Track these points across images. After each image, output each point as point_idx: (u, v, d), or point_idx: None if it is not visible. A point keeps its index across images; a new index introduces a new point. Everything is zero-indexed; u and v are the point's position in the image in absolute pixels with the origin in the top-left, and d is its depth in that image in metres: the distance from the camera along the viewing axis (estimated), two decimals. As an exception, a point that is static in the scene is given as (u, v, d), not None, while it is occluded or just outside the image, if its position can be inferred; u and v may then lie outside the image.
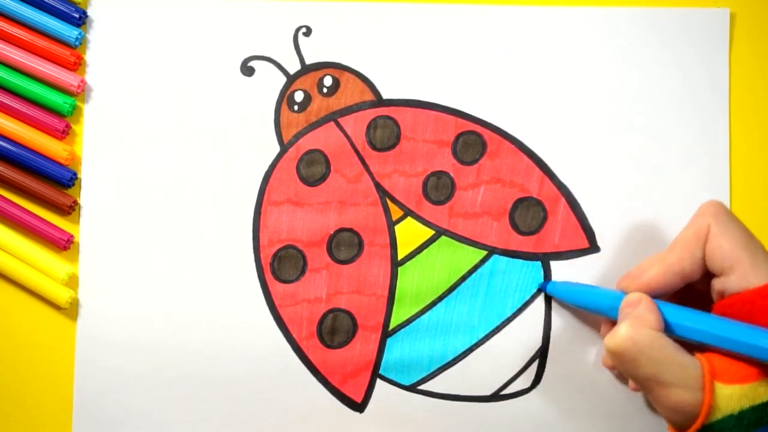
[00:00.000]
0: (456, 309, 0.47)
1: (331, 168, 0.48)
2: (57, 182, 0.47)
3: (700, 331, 0.37)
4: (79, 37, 0.47)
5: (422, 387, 0.47)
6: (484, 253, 0.47)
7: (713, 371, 0.36)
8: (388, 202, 0.48)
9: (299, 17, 0.48)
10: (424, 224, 0.47)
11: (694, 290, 0.41)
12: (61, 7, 0.47)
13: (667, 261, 0.40)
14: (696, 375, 0.36)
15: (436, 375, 0.47)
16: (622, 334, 0.37)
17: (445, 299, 0.47)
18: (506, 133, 0.48)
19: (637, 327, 0.37)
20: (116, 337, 0.47)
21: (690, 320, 0.38)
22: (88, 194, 0.48)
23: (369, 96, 0.48)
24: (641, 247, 0.47)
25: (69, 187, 0.47)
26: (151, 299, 0.47)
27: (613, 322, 0.41)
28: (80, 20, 0.48)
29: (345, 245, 0.47)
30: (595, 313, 0.43)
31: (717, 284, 0.39)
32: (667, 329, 0.38)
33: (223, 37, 0.48)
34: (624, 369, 0.38)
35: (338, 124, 0.48)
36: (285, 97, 0.48)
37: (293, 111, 0.48)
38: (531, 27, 0.48)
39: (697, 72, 0.48)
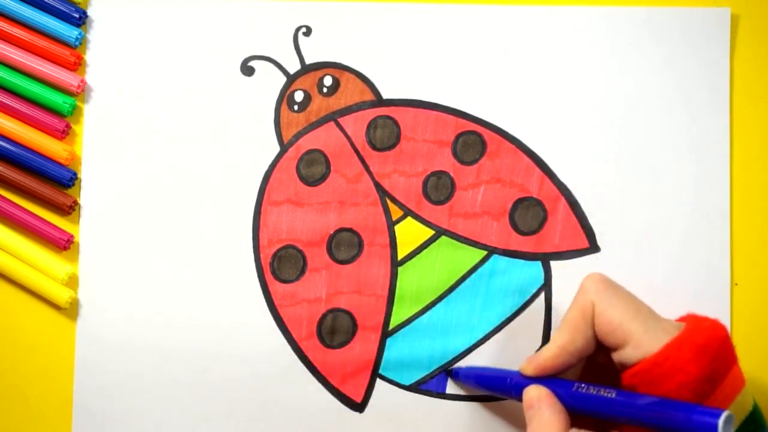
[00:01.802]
0: (456, 309, 0.47)
1: (331, 168, 0.48)
2: (57, 182, 0.47)
3: (605, 413, 0.37)
4: (79, 37, 0.47)
5: (422, 387, 0.47)
6: (484, 253, 0.47)
7: None
8: (388, 202, 0.48)
9: (299, 17, 0.48)
10: (424, 224, 0.47)
11: (600, 361, 0.41)
12: (61, 7, 0.47)
13: (558, 342, 0.40)
14: None
15: (435, 375, 0.47)
16: None
17: (444, 299, 0.47)
18: (506, 133, 0.48)
19: None
20: (116, 337, 0.47)
21: (593, 404, 0.38)
22: (88, 194, 0.48)
23: (369, 96, 0.48)
24: (641, 247, 0.47)
25: (69, 187, 0.47)
26: (151, 299, 0.47)
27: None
28: (80, 20, 0.48)
29: (345, 245, 0.47)
30: (501, 396, 0.43)
31: (615, 357, 0.39)
32: (575, 412, 0.38)
33: (223, 37, 0.48)
34: None
35: (338, 124, 0.48)
36: (285, 97, 0.48)
37: (293, 111, 0.48)
38: (531, 27, 0.48)
39: (697, 72, 0.48)
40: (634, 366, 0.37)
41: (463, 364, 0.46)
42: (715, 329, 0.37)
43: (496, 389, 0.43)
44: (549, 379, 0.40)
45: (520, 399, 0.40)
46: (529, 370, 0.40)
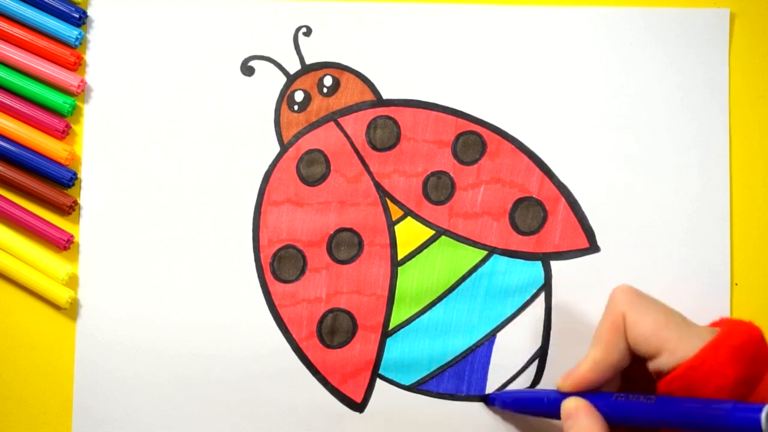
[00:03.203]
0: (456, 309, 0.47)
1: (331, 168, 0.48)
2: (57, 182, 0.47)
3: (645, 420, 0.37)
4: (79, 37, 0.47)
5: (422, 387, 0.47)
6: (484, 253, 0.47)
7: None
8: (388, 202, 0.48)
9: (299, 17, 0.48)
10: (424, 224, 0.47)
11: (635, 372, 0.41)
12: (61, 7, 0.47)
13: (594, 357, 0.40)
14: None
15: (436, 375, 0.47)
16: None
17: (445, 299, 0.47)
18: (506, 133, 0.48)
19: None
20: (116, 337, 0.47)
21: (633, 411, 0.37)
22: (88, 194, 0.48)
23: (369, 96, 0.48)
24: (641, 247, 0.47)
25: (69, 187, 0.47)
26: (151, 299, 0.47)
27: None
28: (80, 20, 0.48)
29: (345, 245, 0.47)
30: (541, 416, 0.43)
31: (651, 366, 0.39)
32: (615, 423, 0.38)
33: (223, 37, 0.48)
34: None
35: (338, 124, 0.48)
36: (285, 97, 0.48)
37: (293, 111, 0.48)
38: (531, 27, 0.48)
39: (697, 72, 0.48)
40: (670, 372, 0.37)
41: (473, 356, 0.46)
42: (750, 331, 0.37)
43: (534, 410, 0.43)
44: (587, 394, 0.40)
45: (559, 417, 0.40)
46: (566, 387, 0.40)
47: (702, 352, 0.36)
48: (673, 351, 0.37)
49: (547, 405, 0.41)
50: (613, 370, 0.40)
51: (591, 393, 0.40)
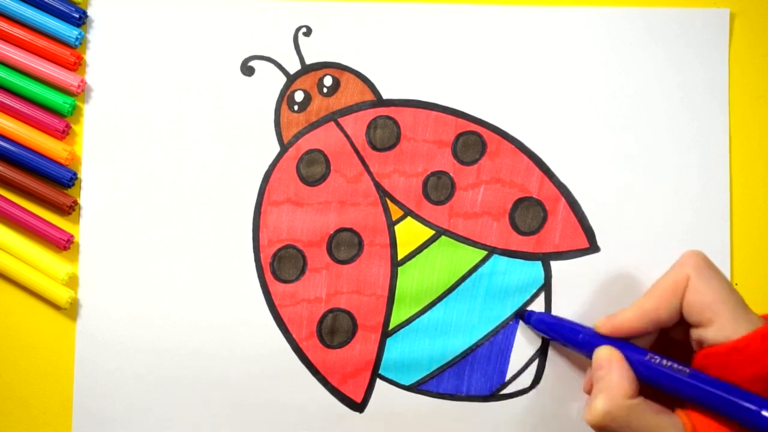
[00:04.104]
0: (456, 309, 0.47)
1: (331, 168, 0.48)
2: (57, 182, 0.47)
3: (675, 389, 0.37)
4: (79, 37, 0.47)
5: (422, 387, 0.47)
6: (484, 253, 0.47)
7: (696, 429, 0.36)
8: (388, 202, 0.48)
9: (299, 17, 0.48)
10: (424, 224, 0.47)
11: (673, 334, 0.41)
12: (61, 7, 0.47)
13: (643, 306, 0.40)
14: None
15: (436, 375, 0.47)
16: (599, 409, 0.38)
17: (444, 299, 0.47)
18: (506, 133, 0.48)
19: (612, 400, 0.37)
20: (116, 337, 0.47)
21: (665, 377, 0.38)
22: (88, 194, 0.48)
23: (369, 96, 0.48)
24: (641, 247, 0.47)
25: (69, 187, 0.47)
26: (151, 299, 0.47)
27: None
28: (80, 20, 0.48)
29: (345, 245, 0.47)
30: (571, 348, 0.43)
31: (695, 334, 0.39)
32: (644, 381, 0.38)
33: (223, 37, 0.48)
34: None
35: (338, 124, 0.48)
36: (285, 97, 0.48)
37: (293, 111, 0.48)
38: (531, 27, 0.48)
39: (697, 72, 0.48)
40: (712, 347, 0.37)
41: (473, 356, 0.46)
42: None
43: (566, 340, 0.43)
44: (622, 342, 0.40)
45: (588, 355, 0.40)
46: (605, 329, 0.40)
47: (750, 336, 0.36)
48: (721, 326, 0.37)
49: (582, 340, 0.41)
50: (656, 325, 0.39)
51: (626, 343, 0.39)
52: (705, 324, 0.38)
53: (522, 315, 0.46)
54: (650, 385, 0.38)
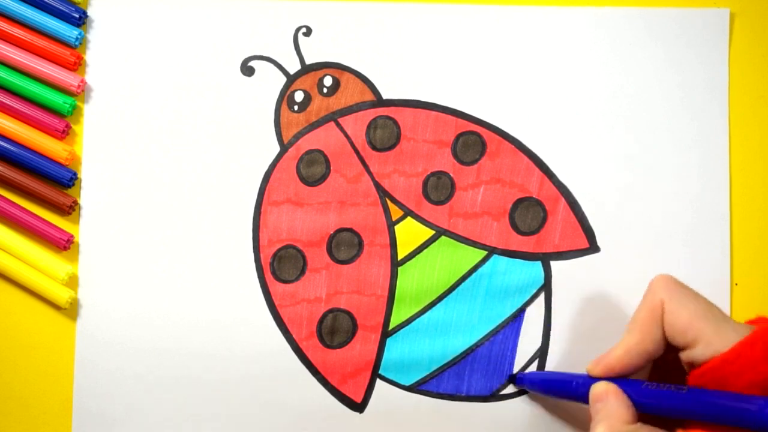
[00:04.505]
0: (456, 309, 0.47)
1: (331, 168, 0.48)
2: (57, 182, 0.47)
3: (674, 409, 0.37)
4: (79, 37, 0.47)
5: (422, 387, 0.47)
6: (484, 253, 0.47)
7: None
8: (388, 202, 0.48)
9: (299, 17, 0.48)
10: (424, 224, 0.47)
11: (665, 362, 0.41)
12: (61, 7, 0.47)
13: (628, 343, 0.39)
14: None
15: (436, 375, 0.47)
16: None
17: (444, 299, 0.47)
18: (506, 133, 0.48)
19: (612, 428, 0.37)
20: (116, 337, 0.47)
21: (662, 399, 0.37)
22: (88, 194, 0.48)
23: (369, 96, 0.48)
24: (641, 247, 0.47)
25: (69, 187, 0.47)
26: (151, 299, 0.47)
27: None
28: (80, 20, 0.48)
29: (345, 245, 0.47)
30: (568, 400, 0.43)
31: (684, 356, 0.38)
32: (643, 410, 0.38)
33: (223, 37, 0.48)
34: None
35: (338, 124, 0.48)
36: (285, 97, 0.48)
37: (293, 111, 0.48)
38: (531, 27, 0.48)
39: (696, 72, 0.48)
40: (703, 365, 0.37)
41: (473, 356, 0.46)
42: None
43: (562, 393, 0.43)
44: (617, 379, 0.40)
45: (586, 401, 0.40)
46: (597, 371, 0.40)
47: (738, 346, 0.36)
48: (708, 343, 0.37)
49: (576, 388, 0.41)
50: (646, 358, 0.39)
51: (621, 379, 0.40)
52: (691, 344, 0.38)
53: (513, 380, 0.46)
54: (652, 413, 0.38)
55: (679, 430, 0.37)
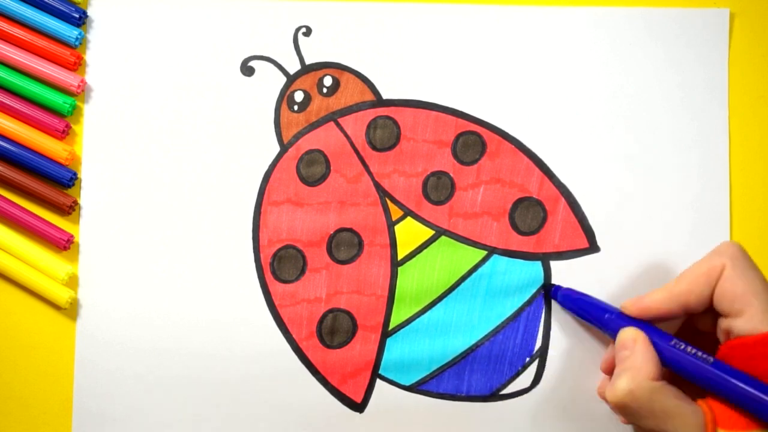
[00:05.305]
0: (456, 309, 0.47)
1: (331, 168, 0.48)
2: (57, 182, 0.47)
3: (696, 377, 0.37)
4: (79, 37, 0.47)
5: (422, 387, 0.47)
6: (484, 253, 0.47)
7: (715, 419, 0.36)
8: (388, 202, 0.48)
9: (299, 17, 0.48)
10: (424, 224, 0.47)
11: (697, 327, 0.41)
12: (61, 7, 0.47)
13: (673, 290, 0.40)
14: (698, 423, 0.36)
15: (436, 375, 0.47)
16: (621, 388, 0.38)
17: (444, 299, 0.47)
18: (506, 133, 0.48)
19: (635, 380, 0.38)
20: (116, 337, 0.47)
21: (687, 364, 0.38)
22: (88, 194, 0.48)
23: (369, 96, 0.48)
24: (641, 247, 0.47)
25: (69, 187, 0.47)
26: (151, 299, 0.47)
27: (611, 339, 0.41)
28: (80, 20, 0.48)
29: (345, 245, 0.47)
30: (596, 327, 0.43)
31: (723, 324, 0.38)
32: (667, 367, 0.38)
33: (223, 37, 0.48)
34: (627, 420, 0.39)
35: (338, 124, 0.48)
36: (285, 97, 0.48)
37: (293, 111, 0.48)
38: (531, 27, 0.48)
39: (696, 72, 0.48)
40: (739, 338, 0.37)
41: (473, 356, 0.46)
42: None
43: (592, 318, 0.43)
44: (648, 325, 0.40)
45: (613, 335, 0.40)
46: (632, 309, 0.40)
47: None
48: (751, 318, 0.37)
49: (607, 322, 0.41)
50: (684, 309, 0.39)
51: (652, 327, 0.39)
52: (735, 314, 0.38)
53: (548, 289, 0.46)
54: (673, 371, 0.38)
55: (699, 401, 0.37)
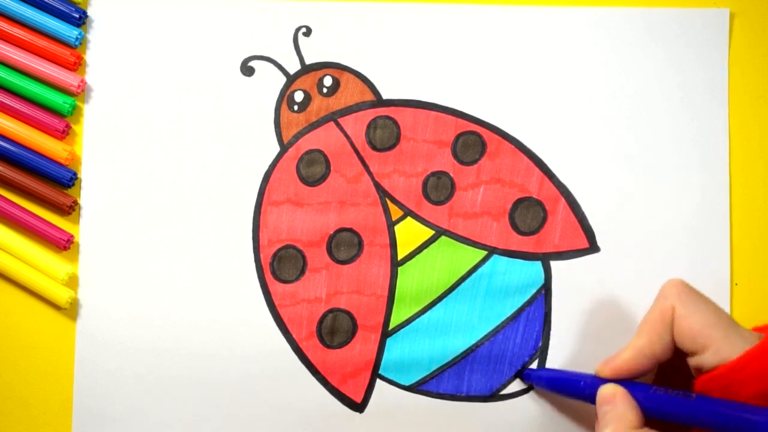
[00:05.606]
0: (456, 309, 0.47)
1: (331, 168, 0.48)
2: (57, 182, 0.47)
3: (681, 416, 0.37)
4: (79, 37, 0.47)
5: (422, 387, 0.47)
6: (484, 253, 0.47)
7: None
8: (388, 202, 0.48)
9: (299, 17, 0.48)
10: (424, 224, 0.47)
11: (672, 365, 0.41)
12: (61, 7, 0.47)
13: (636, 345, 0.40)
14: None
15: (436, 375, 0.47)
16: None
17: (444, 299, 0.47)
18: (506, 133, 0.48)
19: (619, 431, 0.37)
20: (116, 337, 0.47)
21: (670, 406, 0.37)
22: (88, 194, 0.48)
23: (369, 96, 0.48)
24: (641, 247, 0.47)
25: (69, 187, 0.47)
26: (151, 299, 0.47)
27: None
28: (80, 20, 0.48)
29: (345, 245, 0.47)
30: (575, 399, 0.43)
31: (692, 362, 0.38)
32: (650, 415, 0.38)
33: (223, 37, 0.48)
34: None
35: (338, 124, 0.48)
36: (285, 97, 0.48)
37: (293, 111, 0.48)
38: (531, 27, 0.48)
39: (696, 72, 0.48)
40: (711, 371, 0.37)
41: (473, 356, 0.46)
42: None
43: (568, 392, 0.43)
44: (624, 382, 0.40)
45: (593, 402, 0.40)
46: (605, 372, 0.40)
47: (747, 354, 0.36)
48: (717, 350, 0.37)
49: (583, 388, 0.41)
50: (654, 361, 0.39)
51: (629, 382, 0.40)
52: (700, 351, 0.38)
53: (521, 375, 0.46)
54: (658, 418, 0.38)
55: None
